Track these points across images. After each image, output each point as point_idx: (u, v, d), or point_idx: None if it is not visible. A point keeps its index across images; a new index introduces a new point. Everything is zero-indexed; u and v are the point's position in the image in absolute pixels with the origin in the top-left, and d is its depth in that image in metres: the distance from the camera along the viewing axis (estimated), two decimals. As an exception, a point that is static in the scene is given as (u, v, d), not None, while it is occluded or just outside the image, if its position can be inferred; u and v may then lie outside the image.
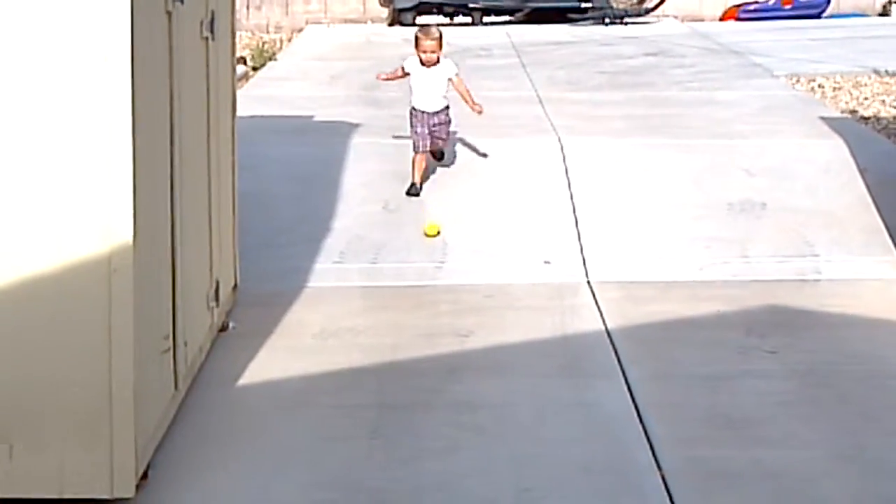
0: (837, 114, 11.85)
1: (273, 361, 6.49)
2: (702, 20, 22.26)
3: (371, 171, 9.52)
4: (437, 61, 9.20)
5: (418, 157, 9.18)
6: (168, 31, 5.27)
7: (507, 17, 21.62)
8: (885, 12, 23.58)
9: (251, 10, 22.39)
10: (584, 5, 21.14)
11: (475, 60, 15.50)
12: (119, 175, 4.62)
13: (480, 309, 7.45)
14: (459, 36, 17.60)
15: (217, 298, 6.48)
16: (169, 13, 5.27)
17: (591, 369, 6.47)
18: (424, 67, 9.20)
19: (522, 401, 6.01)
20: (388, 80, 9.68)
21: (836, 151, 9.78)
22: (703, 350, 6.74)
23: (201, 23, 6.04)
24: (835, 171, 9.47)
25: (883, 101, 12.67)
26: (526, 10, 21.48)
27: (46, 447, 4.68)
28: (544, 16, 21.00)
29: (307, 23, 21.86)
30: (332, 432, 5.62)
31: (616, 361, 6.52)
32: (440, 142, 9.34)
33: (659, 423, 5.71)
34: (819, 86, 13.63)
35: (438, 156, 9.50)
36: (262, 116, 10.93)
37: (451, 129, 9.52)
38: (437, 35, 9.21)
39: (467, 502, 4.96)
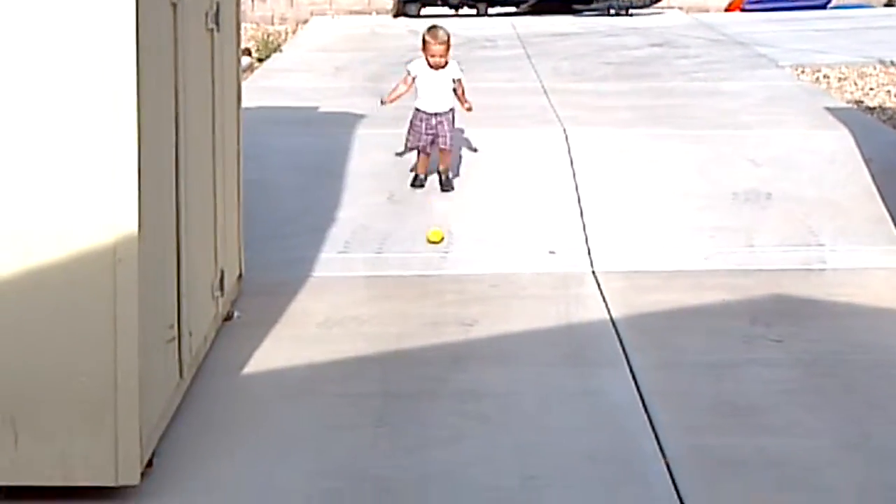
0: (843, 104, 11.83)
1: (278, 351, 6.49)
2: (707, 11, 22.23)
3: (376, 162, 9.53)
4: (445, 64, 9.07)
5: (421, 155, 9.14)
6: (173, 22, 5.27)
7: (511, 8, 21.59)
8: (890, 3, 23.52)
9: (256, 1, 22.38)
10: (588, -4, 21.12)
11: (480, 52, 15.50)
12: (124, 165, 4.62)
13: (485, 298, 7.46)
14: (464, 27, 17.59)
15: (222, 288, 6.49)
16: (174, 4, 5.26)
17: (595, 358, 6.47)
18: (431, 70, 9.06)
19: (527, 390, 6.02)
20: (393, 101, 9.28)
21: (842, 141, 9.77)
22: (708, 339, 6.74)
23: (206, 14, 6.04)
24: (840, 161, 9.46)
25: (888, 92, 12.66)
26: (531, 1, 21.44)
27: (51, 435, 4.69)
28: (549, 7, 20.97)
29: (312, 14, 21.85)
30: (337, 421, 5.63)
31: (621, 350, 6.53)
32: (441, 141, 9.02)
33: (663, 411, 5.71)
34: (824, 76, 13.61)
35: (444, 183, 9.08)
36: (267, 107, 10.93)
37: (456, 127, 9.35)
38: (446, 38, 9.06)
39: (472, 490, 4.97)
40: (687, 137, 10.00)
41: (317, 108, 11.33)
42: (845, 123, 10.22)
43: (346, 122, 10.38)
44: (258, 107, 10.51)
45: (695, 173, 9.31)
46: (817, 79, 13.47)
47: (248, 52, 15.50)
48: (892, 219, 8.60)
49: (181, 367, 5.52)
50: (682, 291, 7.56)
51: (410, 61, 9.37)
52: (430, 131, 9.05)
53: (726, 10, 22.68)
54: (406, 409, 5.77)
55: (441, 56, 9.02)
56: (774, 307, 7.31)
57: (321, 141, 9.99)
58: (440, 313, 7.17)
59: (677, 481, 5.02)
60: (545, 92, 12.24)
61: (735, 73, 13.63)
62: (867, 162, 9.35)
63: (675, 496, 4.91)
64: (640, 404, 5.81)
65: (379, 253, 8.23)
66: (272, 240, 8.22)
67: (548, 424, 5.62)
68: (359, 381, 6.11)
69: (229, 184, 6.72)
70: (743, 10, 22.11)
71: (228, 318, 6.83)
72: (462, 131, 9.75)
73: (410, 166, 9.27)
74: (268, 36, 17.22)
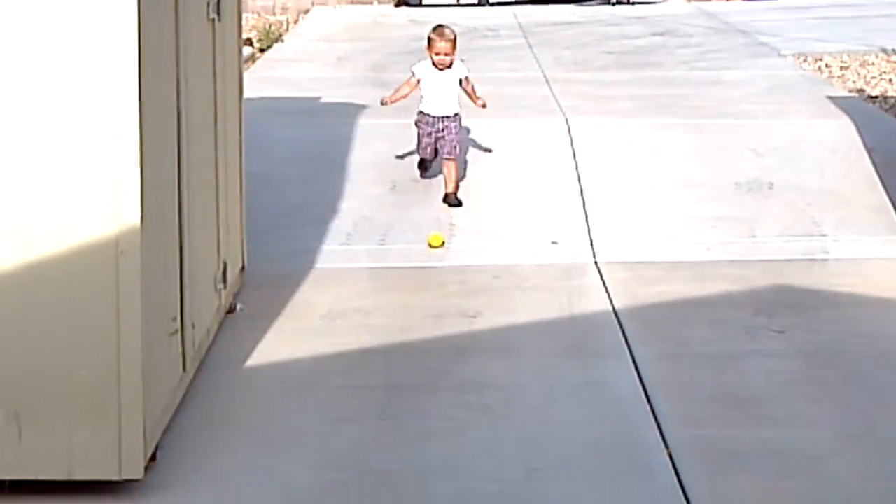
0: (845, 93, 11.82)
1: (281, 343, 6.50)
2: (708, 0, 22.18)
3: (378, 153, 9.52)
4: (451, 64, 8.87)
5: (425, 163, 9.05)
6: (175, 12, 5.27)
7: (513, -2, 21.56)
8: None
9: (257, -9, 22.32)
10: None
11: (482, 41, 15.48)
12: (126, 157, 4.62)
13: (488, 289, 7.45)
14: (466, 17, 17.58)
15: (225, 280, 6.49)
16: (175, -6, 5.27)
17: (598, 349, 6.47)
18: (437, 70, 8.84)
19: (530, 381, 6.02)
20: (394, 102, 9.10)
21: (844, 131, 9.76)
22: (711, 330, 6.74)
23: (208, 4, 6.03)
24: (842, 151, 9.45)
25: (890, 81, 12.64)
26: (532, -10, 21.41)
27: (55, 429, 4.69)
28: (551, -4, 20.94)
29: (313, 4, 21.80)
30: (341, 413, 5.63)
31: (623, 341, 6.53)
32: (446, 149, 8.78)
33: (666, 402, 5.71)
34: (826, 65, 13.60)
35: (453, 196, 8.79)
36: (268, 98, 10.92)
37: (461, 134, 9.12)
38: (452, 37, 8.83)
39: (475, 482, 4.97)
40: (689, 127, 9.99)
41: (319, 98, 11.32)
42: (847, 112, 10.21)
43: (349, 113, 10.37)
44: (260, 97, 10.50)
45: (697, 163, 9.30)
46: (819, 68, 13.46)
47: (249, 42, 15.45)
48: (895, 208, 8.59)
49: (184, 360, 5.52)
50: (684, 282, 7.56)
51: (413, 65, 9.21)
52: (434, 135, 8.82)
53: (728, -2, 22.61)
54: (409, 401, 5.78)
55: (447, 54, 8.79)
56: (776, 298, 7.31)
57: (323, 131, 9.99)
58: (443, 305, 7.17)
59: (680, 472, 5.02)
60: (547, 81, 12.23)
61: (737, 63, 13.62)
62: (869, 151, 9.34)
63: (678, 487, 4.92)
64: (643, 395, 5.81)
65: (382, 244, 8.23)
66: (275, 231, 8.22)
67: (551, 416, 5.62)
68: (362, 374, 6.12)
69: (231, 175, 6.72)
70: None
71: (231, 310, 6.83)
72: (462, 125, 9.72)
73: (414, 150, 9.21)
74: (269, 26, 17.17)
